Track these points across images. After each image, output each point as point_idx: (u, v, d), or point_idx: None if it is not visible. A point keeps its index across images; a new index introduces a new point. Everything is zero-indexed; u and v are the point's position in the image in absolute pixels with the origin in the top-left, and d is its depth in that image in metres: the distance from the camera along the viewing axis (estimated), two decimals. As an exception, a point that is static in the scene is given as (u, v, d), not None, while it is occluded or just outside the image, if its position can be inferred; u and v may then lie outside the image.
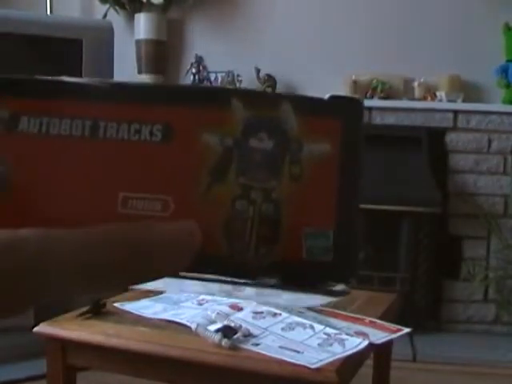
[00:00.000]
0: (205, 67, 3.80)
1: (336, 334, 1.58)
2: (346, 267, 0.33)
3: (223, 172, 0.32)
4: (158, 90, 0.34)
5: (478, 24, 3.66)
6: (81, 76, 2.43)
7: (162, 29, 3.82)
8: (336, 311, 1.76)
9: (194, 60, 3.82)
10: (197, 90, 0.34)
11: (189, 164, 0.32)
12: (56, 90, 0.32)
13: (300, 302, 1.76)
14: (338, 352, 1.48)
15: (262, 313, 1.68)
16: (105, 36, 2.64)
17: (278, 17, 3.82)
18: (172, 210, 0.32)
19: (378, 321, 1.73)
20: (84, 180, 0.32)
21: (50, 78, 0.33)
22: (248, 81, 3.74)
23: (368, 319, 1.72)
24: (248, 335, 1.54)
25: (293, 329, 1.60)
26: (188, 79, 3.80)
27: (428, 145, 3.52)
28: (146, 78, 3.79)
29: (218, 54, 3.81)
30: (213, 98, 0.33)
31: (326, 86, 3.32)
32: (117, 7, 3.84)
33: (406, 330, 1.69)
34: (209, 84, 3.75)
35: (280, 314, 1.67)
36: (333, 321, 1.68)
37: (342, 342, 1.53)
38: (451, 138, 3.57)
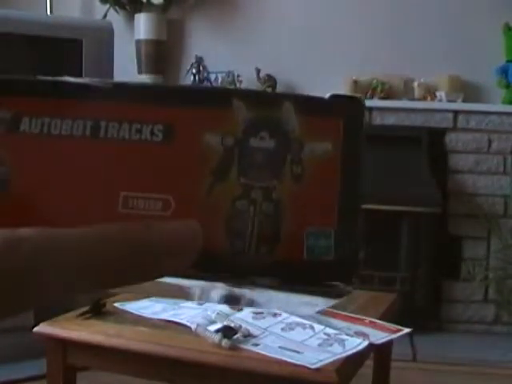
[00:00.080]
0: (205, 67, 3.80)
1: (336, 334, 1.58)
2: (347, 267, 0.33)
3: (224, 172, 0.32)
4: (159, 90, 0.34)
5: (478, 24, 3.66)
6: (81, 76, 2.42)
7: (162, 29, 3.82)
8: (336, 311, 1.76)
9: (194, 60, 3.82)
10: (198, 91, 0.34)
11: (190, 164, 0.32)
12: (57, 90, 0.32)
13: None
14: (338, 352, 1.48)
15: (261, 313, 1.68)
16: (105, 36, 2.64)
17: (278, 17, 3.82)
18: (173, 210, 0.32)
19: (378, 321, 1.73)
20: (85, 180, 0.32)
21: (51, 78, 0.33)
22: (248, 81, 3.74)
23: (368, 319, 1.72)
24: (248, 335, 1.54)
25: (293, 329, 1.60)
26: (188, 79, 3.80)
27: (428, 145, 3.52)
28: (145, 78, 3.79)
29: (218, 54, 3.81)
30: (214, 98, 0.33)
31: (326, 86, 3.32)
32: (117, 7, 3.84)
33: (406, 330, 1.69)
34: (209, 84, 3.75)
35: (280, 315, 1.67)
36: (333, 321, 1.68)
37: (341, 342, 1.53)
38: (451, 138, 3.57)
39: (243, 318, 1.65)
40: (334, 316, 1.72)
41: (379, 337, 1.61)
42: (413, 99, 3.65)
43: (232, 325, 1.57)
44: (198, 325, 1.58)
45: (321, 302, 0.35)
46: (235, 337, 1.51)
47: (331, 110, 0.33)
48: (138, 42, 3.81)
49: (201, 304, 1.76)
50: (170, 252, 0.30)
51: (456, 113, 3.55)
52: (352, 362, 1.51)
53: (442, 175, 3.53)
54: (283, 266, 0.33)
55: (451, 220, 3.56)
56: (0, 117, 0.32)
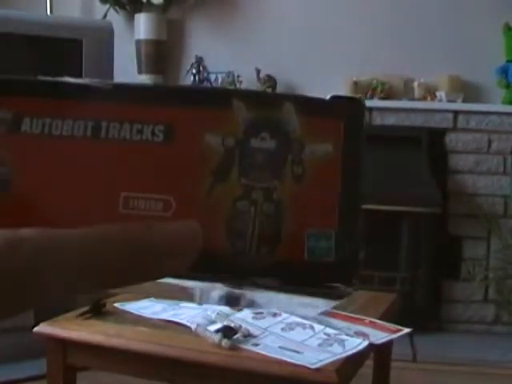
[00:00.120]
0: (205, 68, 3.80)
1: (336, 334, 1.58)
2: (347, 268, 0.33)
3: (225, 172, 0.32)
4: (159, 90, 0.34)
5: (478, 24, 3.66)
6: (81, 76, 2.43)
7: (162, 29, 3.82)
8: (336, 311, 1.76)
9: (194, 60, 3.82)
10: (198, 91, 0.34)
11: (190, 164, 0.32)
12: (58, 90, 0.32)
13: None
14: (338, 352, 1.48)
15: (261, 313, 1.68)
16: (105, 36, 2.64)
17: (278, 17, 3.82)
18: (174, 210, 0.32)
19: (378, 321, 1.73)
20: (86, 180, 0.32)
21: (52, 78, 0.33)
22: (248, 81, 3.73)
23: (368, 319, 1.72)
24: (248, 335, 1.54)
25: (293, 329, 1.60)
26: (188, 80, 3.80)
27: (428, 145, 3.52)
28: (145, 79, 3.79)
29: (218, 54, 3.81)
30: (214, 98, 0.33)
31: (326, 86, 3.32)
32: (117, 7, 3.84)
33: (406, 330, 1.69)
34: (209, 84, 3.75)
35: (280, 315, 1.67)
36: (333, 321, 1.68)
37: (341, 342, 1.53)
38: (451, 139, 3.57)
39: (243, 318, 1.65)
40: (334, 316, 1.72)
41: (379, 337, 1.61)
42: (413, 99, 3.65)
43: (232, 325, 1.57)
44: (197, 325, 1.58)
45: (321, 304, 0.35)
46: (235, 337, 1.51)
47: (332, 111, 0.34)
48: (137, 42, 3.81)
49: (201, 304, 1.77)
50: (170, 252, 0.30)
51: (456, 113, 3.55)
52: (352, 362, 1.51)
53: (442, 175, 3.53)
54: (284, 266, 0.33)
55: (451, 220, 3.56)
56: (1, 117, 0.32)
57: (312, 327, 1.61)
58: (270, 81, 3.72)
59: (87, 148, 0.32)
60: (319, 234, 0.33)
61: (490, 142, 3.55)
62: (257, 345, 1.50)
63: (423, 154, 3.49)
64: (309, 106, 0.33)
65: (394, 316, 1.88)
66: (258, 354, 1.47)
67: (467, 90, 3.65)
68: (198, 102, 0.33)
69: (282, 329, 1.60)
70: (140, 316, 1.70)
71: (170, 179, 0.32)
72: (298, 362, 1.42)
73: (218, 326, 1.56)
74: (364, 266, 3.23)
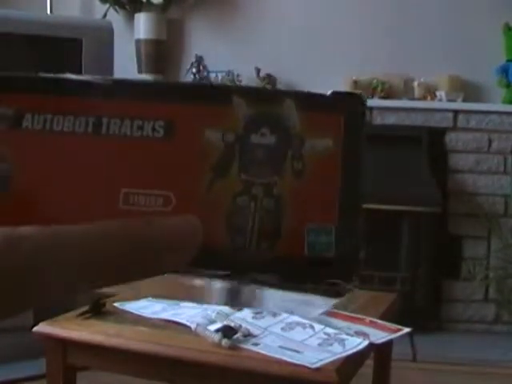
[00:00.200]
0: (205, 67, 3.80)
1: (336, 333, 1.58)
2: (347, 263, 0.33)
3: (225, 168, 0.33)
4: (160, 86, 0.34)
5: (478, 24, 3.65)
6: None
7: (162, 28, 3.82)
8: (336, 311, 1.76)
9: (194, 60, 3.82)
10: (198, 87, 0.34)
11: (191, 160, 0.32)
12: (59, 87, 0.33)
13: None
14: (338, 352, 1.47)
15: (261, 313, 1.68)
16: (105, 36, 2.64)
17: (278, 17, 3.82)
18: (174, 206, 0.32)
19: (379, 321, 1.72)
20: (86, 176, 0.32)
21: (53, 75, 0.33)
22: (248, 80, 3.73)
23: (368, 319, 1.72)
24: (248, 335, 1.54)
25: (293, 328, 1.60)
26: (188, 79, 3.80)
27: (428, 144, 3.51)
28: (145, 78, 3.79)
29: (218, 53, 3.81)
30: (214, 94, 0.33)
31: (326, 86, 3.31)
32: (116, 7, 3.84)
33: (407, 329, 1.69)
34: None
35: (280, 314, 1.67)
36: (333, 320, 1.68)
37: (342, 341, 1.53)
38: (451, 138, 3.56)
39: (243, 317, 1.64)
40: (334, 315, 1.72)
41: (379, 336, 1.61)
42: (413, 99, 3.65)
43: (232, 324, 1.57)
44: (197, 324, 1.58)
45: (322, 302, 0.35)
46: (235, 336, 1.51)
47: (332, 107, 0.34)
48: (137, 41, 3.81)
49: (200, 304, 1.76)
50: (170, 248, 0.30)
51: (456, 112, 3.55)
52: (352, 362, 1.51)
53: (442, 175, 3.53)
54: (284, 262, 0.33)
55: (451, 220, 3.56)
56: (2, 113, 0.32)
57: (312, 327, 1.61)
58: (270, 80, 3.72)
59: (88, 144, 0.32)
60: (319, 229, 0.33)
61: (490, 142, 3.54)
62: (257, 344, 1.50)
63: (423, 153, 3.49)
64: (309, 101, 0.33)
65: (394, 316, 1.87)
66: (257, 353, 1.47)
67: (467, 90, 3.65)
68: (198, 98, 0.33)
69: (282, 328, 1.60)
70: (140, 316, 1.70)
71: (170, 175, 0.32)
72: (298, 362, 1.42)
73: (218, 325, 1.56)
74: (364, 265, 3.23)
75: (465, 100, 3.60)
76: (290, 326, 1.61)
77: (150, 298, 1.83)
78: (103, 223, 0.29)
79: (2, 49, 2.53)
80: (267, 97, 0.33)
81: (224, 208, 0.32)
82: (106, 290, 1.76)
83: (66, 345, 1.64)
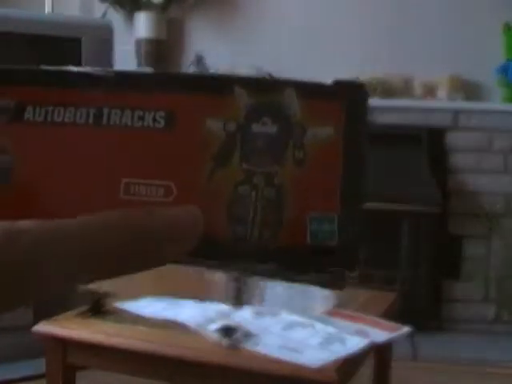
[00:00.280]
0: (205, 66, 3.80)
1: (337, 333, 1.57)
2: (350, 252, 0.33)
3: (226, 157, 0.32)
4: (160, 77, 0.34)
5: (478, 24, 3.65)
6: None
7: (162, 28, 3.82)
8: (337, 310, 1.76)
9: (193, 59, 3.82)
10: (199, 77, 0.34)
11: (192, 150, 0.32)
12: (60, 79, 0.33)
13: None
14: (339, 351, 1.47)
15: (262, 312, 1.68)
16: (104, 35, 2.63)
17: (278, 16, 3.82)
18: (175, 196, 0.32)
19: (379, 320, 1.72)
20: (87, 167, 0.32)
21: (54, 68, 0.33)
22: (248, 80, 3.73)
23: (369, 318, 1.72)
24: (248, 334, 1.54)
25: (293, 328, 1.59)
26: (188, 78, 3.79)
27: (428, 144, 3.51)
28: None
29: (218, 53, 3.81)
30: (215, 85, 0.33)
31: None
32: (116, 6, 3.84)
33: (407, 329, 1.69)
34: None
35: (280, 313, 1.67)
36: (333, 320, 1.68)
37: (342, 341, 1.52)
38: (451, 137, 3.56)
39: (243, 316, 1.64)
40: (335, 315, 1.72)
41: (380, 336, 1.61)
42: (413, 98, 3.65)
43: (232, 324, 1.56)
44: (197, 324, 1.57)
45: (325, 295, 0.35)
46: (235, 336, 1.51)
47: (333, 95, 0.33)
48: (137, 40, 3.81)
49: (201, 303, 1.76)
50: (171, 238, 0.30)
51: (456, 112, 3.55)
52: (353, 361, 1.51)
53: (443, 174, 3.53)
54: (286, 251, 0.33)
55: (452, 219, 3.56)
56: (4, 106, 0.32)
57: (312, 326, 1.60)
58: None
59: (89, 135, 0.32)
60: (322, 217, 0.33)
61: (490, 141, 3.54)
62: (257, 344, 1.50)
63: (423, 153, 3.49)
64: (310, 90, 0.33)
65: (394, 315, 1.87)
66: (258, 353, 1.47)
67: (467, 89, 3.65)
68: (199, 88, 0.33)
69: (283, 328, 1.59)
70: (140, 315, 1.70)
71: (171, 165, 0.32)
72: (299, 362, 1.42)
73: (218, 325, 1.56)
74: (364, 265, 3.23)
75: (465, 99, 3.60)
76: (290, 326, 1.60)
77: (150, 298, 1.82)
78: (104, 214, 0.29)
79: (2, 48, 2.53)
80: (268, 86, 0.33)
81: (225, 197, 0.32)
82: (106, 289, 1.76)
83: (65, 344, 1.64)
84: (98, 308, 1.72)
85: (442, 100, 3.60)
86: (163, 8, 3.79)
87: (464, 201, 3.55)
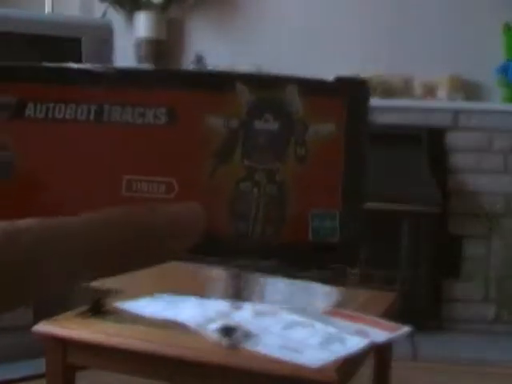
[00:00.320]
0: (205, 66, 3.80)
1: (337, 332, 1.57)
2: (352, 248, 0.33)
3: (228, 154, 0.32)
4: (161, 74, 0.34)
5: (478, 24, 3.65)
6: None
7: (162, 28, 3.82)
8: (337, 310, 1.76)
9: (193, 59, 3.82)
10: (200, 74, 0.34)
11: (193, 146, 0.32)
12: (62, 76, 0.33)
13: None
14: (339, 351, 1.47)
15: (262, 312, 1.68)
16: (104, 35, 2.63)
17: (278, 16, 3.82)
18: (176, 192, 0.32)
19: (379, 320, 1.72)
20: (89, 164, 0.32)
21: (55, 64, 0.33)
22: (248, 80, 3.73)
23: (369, 318, 1.72)
24: (248, 334, 1.54)
25: (293, 328, 1.59)
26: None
27: (428, 144, 3.51)
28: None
29: (218, 53, 3.81)
30: (217, 81, 0.33)
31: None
32: (116, 6, 3.84)
33: (407, 329, 1.69)
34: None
35: (280, 313, 1.67)
36: (333, 320, 1.68)
37: (342, 341, 1.52)
38: (451, 137, 3.56)
39: (243, 316, 1.64)
40: (335, 315, 1.72)
41: (380, 336, 1.60)
42: (413, 98, 3.65)
43: (232, 323, 1.56)
44: (197, 324, 1.57)
45: (326, 291, 0.35)
46: (235, 336, 1.51)
47: (335, 91, 0.33)
48: (137, 40, 3.81)
49: (201, 302, 1.76)
50: (173, 235, 0.30)
51: (456, 112, 3.55)
52: (353, 361, 1.51)
53: (443, 174, 3.53)
54: (288, 248, 0.33)
55: (452, 219, 3.56)
56: (5, 103, 0.32)
57: (313, 326, 1.60)
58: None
59: (90, 132, 0.32)
60: (324, 214, 0.33)
61: (490, 141, 3.54)
62: (257, 344, 1.50)
63: (423, 153, 3.48)
64: (312, 86, 0.33)
65: (394, 315, 1.87)
66: (258, 352, 1.47)
67: (467, 89, 3.64)
68: (201, 84, 0.33)
69: (283, 327, 1.59)
70: (140, 315, 1.70)
71: (173, 162, 0.32)
72: (299, 361, 1.42)
73: (218, 324, 1.56)
74: (364, 265, 3.23)
75: (465, 99, 3.60)
76: (290, 325, 1.60)
77: (151, 297, 1.82)
78: (106, 211, 0.29)
79: (2, 48, 2.53)
80: (270, 83, 0.33)
81: (227, 194, 0.32)
82: (109, 286, 1.76)
83: (65, 344, 1.64)
84: (97, 308, 1.71)
85: (442, 100, 3.60)
86: (163, 8, 3.79)
87: (464, 201, 3.55)
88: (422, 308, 3.43)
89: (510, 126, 3.52)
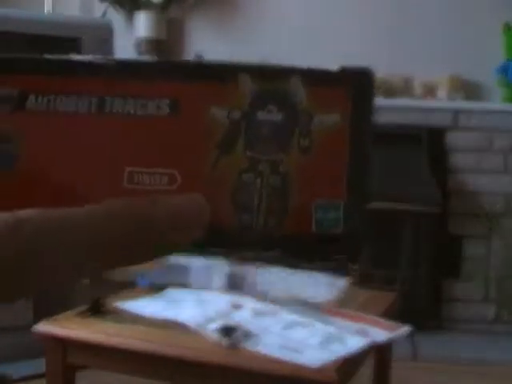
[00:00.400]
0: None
1: (337, 332, 1.57)
2: (355, 239, 0.33)
3: (230, 145, 0.32)
4: (163, 65, 0.34)
5: (478, 24, 3.65)
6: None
7: (162, 28, 3.82)
8: (337, 310, 1.76)
9: (193, 59, 3.81)
10: (203, 65, 0.34)
11: (196, 138, 0.32)
12: (63, 68, 0.33)
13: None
14: (339, 351, 1.47)
15: (262, 311, 1.68)
16: (104, 34, 2.63)
17: (278, 16, 3.82)
18: (179, 184, 0.32)
19: (379, 319, 1.72)
20: (90, 156, 0.32)
21: (56, 56, 0.33)
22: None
23: (369, 318, 1.72)
24: (248, 334, 1.54)
25: (293, 328, 1.59)
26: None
27: (428, 144, 3.51)
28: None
29: (218, 53, 3.80)
30: (219, 72, 0.33)
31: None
32: (116, 6, 3.84)
33: (407, 328, 1.68)
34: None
35: (280, 313, 1.67)
36: (334, 319, 1.67)
37: (342, 340, 1.52)
38: (451, 137, 3.56)
39: (243, 316, 1.64)
40: (335, 314, 1.72)
41: (380, 335, 1.60)
42: (413, 98, 3.65)
43: (232, 323, 1.56)
44: (197, 324, 1.57)
45: (329, 282, 0.35)
46: (235, 335, 1.51)
47: (340, 82, 0.33)
48: (137, 40, 3.81)
49: (201, 302, 1.76)
50: (175, 227, 0.29)
51: (456, 112, 3.55)
52: (353, 361, 1.51)
53: (443, 174, 3.53)
54: (291, 239, 0.33)
55: (452, 219, 3.56)
56: (7, 95, 0.32)
57: (313, 325, 1.60)
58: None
59: (92, 123, 0.32)
60: (328, 205, 0.33)
61: (490, 141, 3.54)
62: (257, 344, 1.50)
63: (423, 152, 3.48)
64: (316, 76, 0.33)
65: (394, 315, 1.87)
66: (258, 352, 1.46)
67: (467, 89, 3.64)
68: (204, 75, 0.33)
69: (283, 327, 1.59)
70: (139, 315, 1.70)
71: (175, 153, 0.32)
72: (299, 361, 1.41)
73: (218, 324, 1.56)
74: (364, 264, 3.23)
75: (465, 99, 3.60)
76: (290, 325, 1.60)
77: (151, 296, 1.82)
78: (108, 203, 0.29)
79: (2, 48, 2.53)
80: (273, 73, 0.33)
81: (229, 185, 0.32)
82: (107, 287, 1.75)
83: (65, 344, 1.64)
84: (97, 308, 1.71)
85: (442, 100, 3.60)
86: (163, 8, 3.79)
87: (464, 201, 3.54)
88: (422, 308, 3.43)
89: (509, 126, 3.52)
